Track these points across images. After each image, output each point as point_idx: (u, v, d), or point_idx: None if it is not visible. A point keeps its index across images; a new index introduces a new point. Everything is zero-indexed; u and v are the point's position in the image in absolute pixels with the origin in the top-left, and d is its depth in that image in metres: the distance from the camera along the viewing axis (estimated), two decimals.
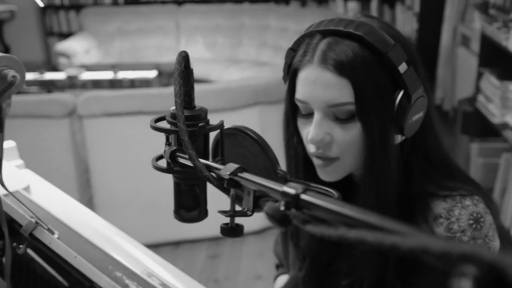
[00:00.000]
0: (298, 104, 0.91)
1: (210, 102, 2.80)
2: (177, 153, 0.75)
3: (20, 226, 0.81)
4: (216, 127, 0.82)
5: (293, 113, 0.94)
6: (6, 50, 7.46)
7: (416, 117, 0.88)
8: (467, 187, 0.93)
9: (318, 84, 0.86)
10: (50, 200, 1.29)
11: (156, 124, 0.82)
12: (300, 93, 0.90)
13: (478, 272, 0.26)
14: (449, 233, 0.90)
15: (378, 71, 0.85)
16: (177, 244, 3.09)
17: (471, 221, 0.89)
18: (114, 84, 4.48)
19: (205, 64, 5.51)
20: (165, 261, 1.12)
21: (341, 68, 0.84)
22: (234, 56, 5.74)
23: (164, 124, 0.83)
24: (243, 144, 0.86)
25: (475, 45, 3.83)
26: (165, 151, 0.79)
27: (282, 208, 0.45)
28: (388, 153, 0.88)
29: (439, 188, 0.93)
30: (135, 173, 2.91)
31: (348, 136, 0.88)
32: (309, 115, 0.91)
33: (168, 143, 0.79)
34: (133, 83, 4.46)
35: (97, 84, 4.45)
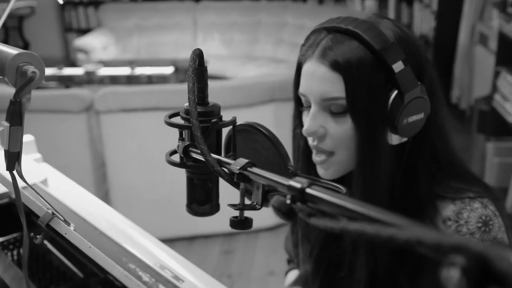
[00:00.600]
0: (301, 97, 0.95)
1: (226, 99, 2.82)
2: (190, 148, 0.77)
3: (37, 217, 0.84)
4: (229, 123, 0.84)
5: (298, 106, 0.98)
6: (26, 45, 7.55)
7: (414, 118, 0.88)
8: (476, 189, 0.93)
9: (315, 78, 0.90)
10: (67, 193, 1.32)
11: (170, 120, 0.84)
12: (301, 86, 0.93)
13: (466, 262, 0.28)
14: (458, 236, 0.90)
15: (372, 69, 0.86)
16: (191, 239, 3.11)
17: (479, 224, 0.89)
18: (131, 80, 4.52)
19: (221, 60, 5.53)
20: (178, 255, 1.15)
21: (336, 63, 0.87)
22: (251, 53, 5.75)
23: (178, 120, 0.85)
24: (255, 140, 0.87)
25: (493, 44, 3.80)
26: (178, 146, 0.81)
27: (288, 201, 0.47)
28: (377, 150, 0.89)
29: (447, 190, 0.93)
30: (151, 168, 2.94)
31: (341, 130, 0.90)
32: (310, 108, 0.93)
33: (181, 138, 0.81)
34: (150, 79, 4.50)
35: (114, 80, 4.49)
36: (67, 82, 4.58)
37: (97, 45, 5.56)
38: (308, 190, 0.45)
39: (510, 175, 3.13)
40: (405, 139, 0.93)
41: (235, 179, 0.61)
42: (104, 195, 3.03)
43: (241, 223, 0.64)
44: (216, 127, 0.80)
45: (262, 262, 2.89)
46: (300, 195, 0.46)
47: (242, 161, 0.61)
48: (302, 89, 0.93)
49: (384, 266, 0.95)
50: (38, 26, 7.48)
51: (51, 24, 7.48)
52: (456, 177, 0.96)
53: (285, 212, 0.46)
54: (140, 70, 4.56)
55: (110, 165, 2.97)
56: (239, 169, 0.60)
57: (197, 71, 0.81)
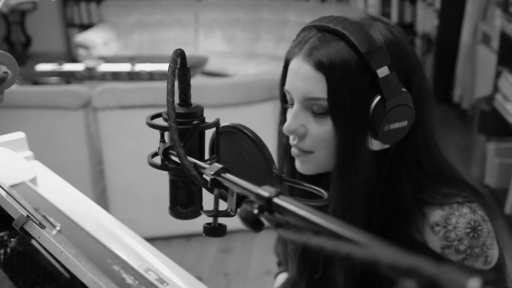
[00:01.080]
0: (286, 93, 0.94)
1: (224, 97, 2.80)
2: (170, 151, 0.76)
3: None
4: (212, 125, 0.82)
5: (283, 103, 0.97)
6: (28, 40, 7.55)
7: (397, 125, 0.86)
8: (465, 194, 0.91)
9: (299, 76, 0.88)
10: (56, 192, 1.31)
11: (152, 121, 0.83)
12: (286, 83, 0.92)
13: (418, 287, 0.26)
14: (446, 242, 0.89)
15: (357, 72, 0.85)
16: (188, 237, 3.10)
17: (468, 230, 0.87)
18: (132, 76, 4.51)
19: (223, 57, 5.51)
20: (165, 256, 1.13)
21: (320, 63, 0.86)
22: (252, 50, 5.73)
23: (160, 121, 0.84)
24: (240, 142, 0.86)
25: (496, 43, 3.78)
26: (159, 148, 0.80)
27: (256, 211, 0.45)
28: (356, 154, 0.88)
29: (435, 196, 0.91)
30: (148, 165, 2.92)
31: (321, 131, 0.89)
32: (293, 105, 0.92)
33: (162, 140, 0.80)
34: (151, 76, 4.48)
35: (115, 76, 4.48)
36: (68, 78, 4.57)
37: (98, 41, 5.54)
38: (276, 200, 0.44)
39: (511, 176, 3.11)
40: (387, 146, 0.92)
41: (209, 185, 0.60)
42: (101, 192, 3.02)
43: (214, 230, 0.62)
44: (198, 129, 0.78)
45: (259, 261, 2.88)
46: (267, 204, 0.44)
47: (216, 166, 0.59)
48: (287, 86, 0.92)
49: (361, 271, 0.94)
50: (40, 21, 7.47)
51: (53, 20, 7.47)
52: (444, 182, 0.94)
53: (251, 222, 0.44)
54: (140, 67, 4.54)
55: (108, 162, 2.96)
56: (212, 174, 0.58)
57: (180, 72, 0.80)
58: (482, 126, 3.47)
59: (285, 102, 0.97)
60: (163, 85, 3.09)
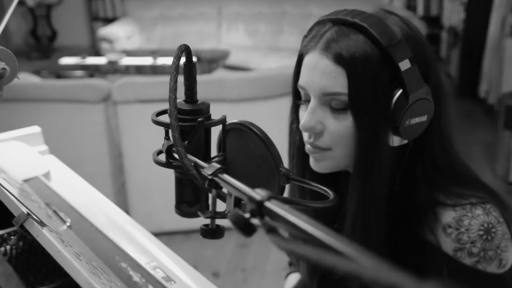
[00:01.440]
0: (300, 90, 0.91)
1: (244, 91, 2.78)
2: (173, 148, 0.74)
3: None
4: (217, 122, 0.80)
5: (296, 99, 0.94)
6: (54, 34, 7.63)
7: (417, 120, 0.84)
8: (480, 195, 0.88)
9: (317, 70, 0.86)
10: (69, 187, 1.30)
11: (157, 117, 0.81)
12: (301, 79, 0.89)
13: None
14: (458, 244, 0.85)
15: (378, 66, 0.82)
16: None
17: (481, 232, 0.84)
18: (154, 70, 4.52)
19: (245, 51, 5.49)
20: (173, 253, 1.12)
21: (339, 57, 0.83)
22: (275, 44, 5.69)
23: (166, 118, 0.82)
24: (248, 140, 0.84)
25: None
26: (163, 145, 0.78)
27: (247, 215, 0.43)
28: (378, 150, 0.85)
29: (449, 196, 0.88)
30: None
31: (340, 128, 0.86)
32: (309, 102, 0.89)
33: (166, 137, 0.78)
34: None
35: (137, 70, 4.50)
36: (91, 71, 4.60)
37: (121, 34, 5.57)
38: (267, 204, 0.42)
39: None
40: (405, 142, 0.89)
41: (207, 185, 0.58)
42: (121, 186, 3.04)
43: (211, 232, 0.60)
44: (203, 126, 0.76)
45: (277, 257, 2.86)
46: (258, 208, 0.42)
47: (214, 166, 0.57)
48: (302, 81, 0.89)
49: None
50: (66, 15, 7.55)
51: (79, 13, 7.53)
52: (458, 182, 0.91)
53: (241, 226, 0.42)
54: (162, 60, 4.55)
55: (127, 156, 2.97)
56: (209, 175, 0.56)
57: (185, 68, 0.78)
58: (508, 122, 3.39)
59: (298, 98, 0.94)
60: (181, 79, 3.09)
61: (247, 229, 0.42)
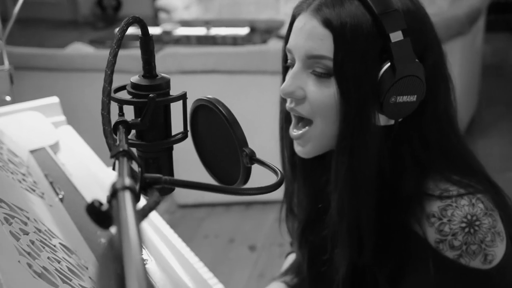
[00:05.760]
0: (288, 54, 0.87)
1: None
2: (119, 126, 0.70)
3: None
4: (175, 98, 0.77)
5: (285, 65, 0.90)
6: (118, 4, 7.77)
7: (404, 99, 0.77)
8: (474, 184, 0.80)
9: (303, 32, 0.82)
10: (73, 160, 1.30)
11: (115, 94, 0.77)
12: (289, 41, 0.86)
13: None
14: (439, 235, 0.78)
15: (368, 33, 0.77)
16: (248, 204, 3.09)
17: (463, 224, 0.77)
18: (207, 40, 4.50)
19: None
20: (168, 229, 1.10)
21: (328, 20, 0.78)
22: None
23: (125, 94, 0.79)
24: (215, 118, 0.79)
25: None
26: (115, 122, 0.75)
27: (104, 204, 0.39)
28: (363, 124, 0.79)
29: (439, 182, 0.81)
30: None
31: (322, 96, 0.81)
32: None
33: (120, 113, 0.74)
34: (225, 40, 4.45)
35: (190, 40, 4.50)
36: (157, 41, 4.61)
37: (178, 4, 5.57)
38: (120, 195, 0.37)
39: None
40: (391, 122, 0.82)
41: (112, 168, 0.53)
42: None
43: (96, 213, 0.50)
44: (154, 103, 0.72)
45: None
46: (110, 197, 0.38)
47: (121, 147, 0.52)
48: (289, 44, 0.85)
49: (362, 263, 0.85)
50: None
51: None
52: (454, 168, 0.83)
53: (95, 218, 0.38)
54: (215, 31, 4.52)
55: None
56: (111, 157, 0.52)
57: (141, 41, 0.74)
58: None
59: (285, 62, 0.90)
60: (224, 50, 3.06)
61: (100, 220, 0.38)
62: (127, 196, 0.37)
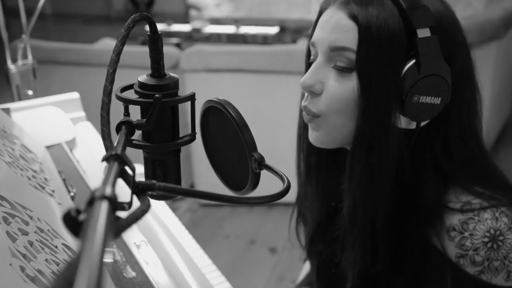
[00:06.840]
0: (311, 49, 0.84)
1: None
2: (122, 126, 0.68)
3: None
4: (183, 99, 0.74)
5: (308, 60, 0.87)
6: (151, 1, 7.82)
7: (428, 99, 0.74)
8: (499, 196, 0.75)
9: (329, 24, 0.79)
10: (88, 156, 1.29)
11: (121, 93, 0.75)
12: (314, 35, 0.83)
13: None
14: (460, 250, 0.74)
15: (394, 28, 0.74)
16: (271, 206, 3.05)
17: (486, 239, 0.72)
18: (237, 38, 4.48)
19: None
20: (181, 227, 1.08)
21: (355, 12, 0.76)
22: None
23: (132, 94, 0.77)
24: (226, 120, 0.77)
25: None
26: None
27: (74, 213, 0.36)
28: (384, 122, 0.75)
29: (460, 195, 0.77)
30: None
31: (340, 90, 0.78)
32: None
33: (126, 113, 0.72)
34: (255, 39, 4.43)
35: (219, 38, 4.48)
36: (187, 38, 4.59)
37: (209, 2, 5.58)
38: (98, 203, 0.34)
39: None
40: (412, 126, 0.78)
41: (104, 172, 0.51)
42: (187, 156, 3.04)
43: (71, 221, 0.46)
44: (160, 103, 0.69)
45: None
46: (88, 204, 0.35)
47: (113, 151, 0.49)
48: (313, 37, 0.83)
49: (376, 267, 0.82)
50: None
51: None
52: (476, 179, 0.79)
53: (71, 229, 0.36)
54: (245, 29, 4.50)
55: None
56: (102, 160, 0.49)
57: (149, 39, 0.72)
58: None
59: (309, 58, 0.87)
60: (250, 49, 3.02)
61: (73, 228, 0.35)
62: (103, 206, 0.34)
